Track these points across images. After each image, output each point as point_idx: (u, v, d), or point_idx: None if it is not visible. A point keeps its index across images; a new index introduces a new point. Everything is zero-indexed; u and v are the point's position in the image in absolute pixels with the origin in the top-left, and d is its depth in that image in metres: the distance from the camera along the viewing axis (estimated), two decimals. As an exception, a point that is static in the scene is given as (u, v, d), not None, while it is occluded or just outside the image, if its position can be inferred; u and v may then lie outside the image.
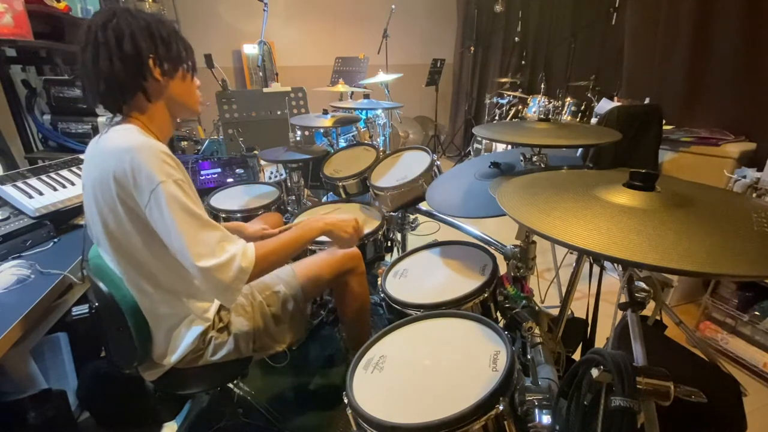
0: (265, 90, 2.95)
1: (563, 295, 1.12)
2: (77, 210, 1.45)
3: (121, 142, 0.87)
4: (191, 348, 1.04)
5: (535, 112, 3.84)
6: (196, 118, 3.39)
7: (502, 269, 1.25)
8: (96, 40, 0.87)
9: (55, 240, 1.32)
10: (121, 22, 0.88)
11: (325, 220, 1.13)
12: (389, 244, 1.80)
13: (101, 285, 0.98)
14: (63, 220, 1.40)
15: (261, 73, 3.15)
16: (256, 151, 2.48)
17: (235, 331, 1.10)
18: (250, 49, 4.57)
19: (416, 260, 1.39)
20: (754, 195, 1.96)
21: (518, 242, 1.28)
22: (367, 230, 1.62)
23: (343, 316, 1.40)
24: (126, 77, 0.90)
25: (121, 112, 0.97)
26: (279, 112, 2.96)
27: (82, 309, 1.22)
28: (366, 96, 3.20)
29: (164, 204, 0.83)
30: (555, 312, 1.16)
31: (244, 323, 1.11)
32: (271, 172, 2.63)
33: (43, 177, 1.42)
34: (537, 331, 1.02)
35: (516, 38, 4.98)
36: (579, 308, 1.23)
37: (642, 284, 0.81)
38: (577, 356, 1.27)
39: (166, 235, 0.86)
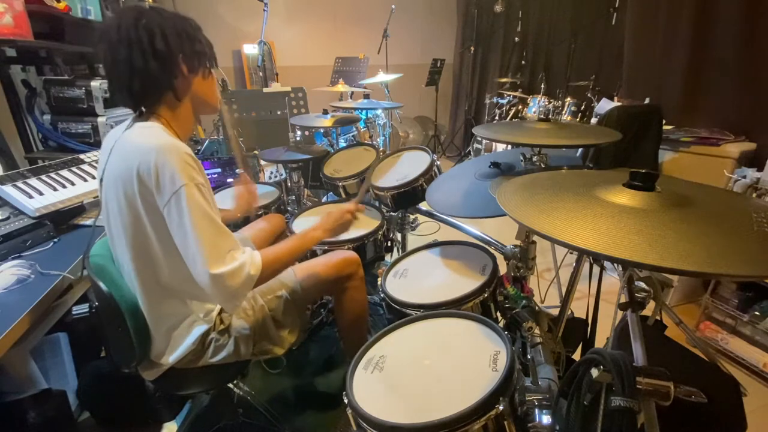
0: (265, 90, 2.95)
1: (563, 295, 1.12)
2: (77, 210, 1.44)
3: (147, 140, 0.88)
4: (191, 349, 1.04)
5: (535, 112, 3.84)
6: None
7: (502, 269, 1.25)
8: (129, 38, 0.88)
9: (55, 240, 1.32)
10: (151, 21, 0.89)
11: (324, 227, 1.19)
12: (389, 244, 1.80)
13: (101, 284, 0.98)
14: (63, 220, 1.40)
15: (261, 73, 3.15)
16: (256, 151, 2.48)
17: (235, 334, 1.10)
18: (250, 49, 4.57)
19: (416, 260, 1.39)
20: (754, 195, 1.96)
21: (518, 242, 1.28)
22: (367, 230, 1.62)
23: (340, 322, 1.38)
24: (159, 75, 0.91)
25: (149, 109, 0.97)
26: (279, 112, 2.96)
27: (82, 308, 1.23)
28: (366, 96, 3.20)
29: (185, 207, 0.84)
30: (555, 312, 1.16)
31: (245, 326, 1.11)
32: (271, 172, 2.63)
33: (43, 177, 1.42)
34: (537, 331, 1.02)
35: (516, 38, 4.98)
36: (579, 308, 1.23)
37: (642, 284, 0.81)
38: (577, 356, 1.27)
39: (181, 237, 0.87)
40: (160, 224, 0.89)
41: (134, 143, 0.89)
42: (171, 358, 1.04)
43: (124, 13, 0.92)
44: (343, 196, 1.96)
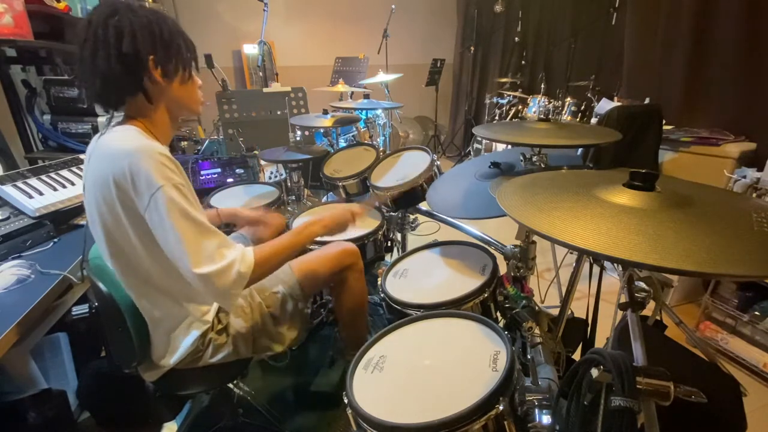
0: (265, 90, 2.95)
1: (563, 295, 1.12)
2: (77, 210, 1.44)
3: (120, 145, 0.86)
4: (190, 350, 1.04)
5: (535, 112, 3.84)
6: (196, 118, 3.40)
7: (502, 269, 1.25)
8: (96, 36, 0.85)
9: (55, 240, 1.32)
10: (123, 20, 0.86)
11: (321, 222, 1.14)
12: (389, 244, 1.80)
13: (101, 285, 0.98)
14: (63, 220, 1.40)
15: (261, 73, 3.15)
16: (256, 151, 2.48)
17: (234, 333, 1.10)
18: (250, 49, 4.57)
19: (416, 260, 1.39)
20: (754, 195, 1.96)
21: (518, 242, 1.28)
22: (367, 230, 1.62)
23: (340, 314, 1.37)
24: (124, 78, 0.88)
25: (117, 110, 0.95)
26: (279, 112, 2.96)
27: (82, 309, 1.23)
28: (366, 96, 3.20)
29: (164, 209, 0.82)
30: (555, 312, 1.16)
31: (243, 325, 1.11)
32: (271, 172, 2.63)
33: (43, 177, 1.42)
34: (537, 331, 1.02)
35: (516, 38, 4.98)
36: (579, 308, 1.23)
37: (642, 284, 0.81)
38: (577, 356, 1.27)
39: (164, 240, 0.85)
40: (143, 228, 0.88)
41: (109, 148, 0.87)
42: (171, 359, 1.04)
43: (97, 9, 0.88)
44: (343, 196, 1.96)
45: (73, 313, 1.24)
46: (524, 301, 1.18)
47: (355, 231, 1.61)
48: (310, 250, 1.49)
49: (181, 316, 1.03)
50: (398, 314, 1.14)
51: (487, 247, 1.36)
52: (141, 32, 0.87)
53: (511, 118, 4.38)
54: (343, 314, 1.36)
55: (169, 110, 0.98)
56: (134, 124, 0.93)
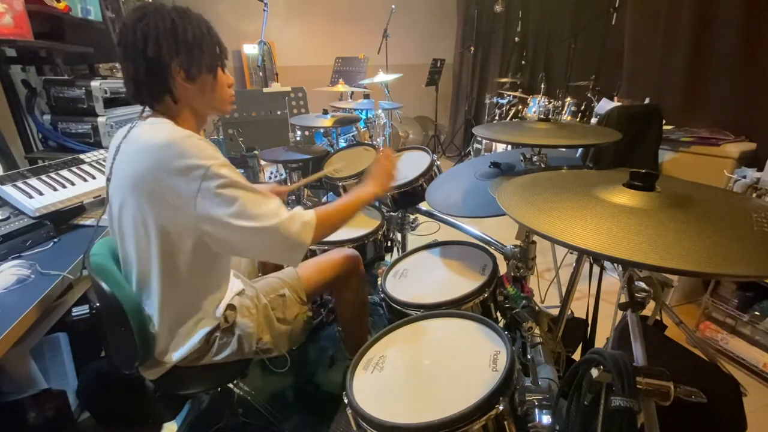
0: (265, 90, 2.95)
1: (563, 295, 1.12)
2: (77, 210, 1.44)
3: (158, 137, 0.87)
4: (196, 347, 1.04)
5: (535, 112, 3.84)
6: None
7: (502, 269, 1.25)
8: (126, 41, 0.88)
9: (55, 240, 1.32)
10: (150, 24, 0.88)
11: (375, 181, 1.16)
12: (389, 244, 1.80)
13: (103, 284, 0.98)
14: (63, 220, 1.40)
15: (261, 73, 3.15)
16: (256, 151, 2.48)
17: (239, 332, 1.10)
18: (250, 49, 4.57)
19: (416, 260, 1.39)
20: (754, 195, 1.96)
21: (518, 242, 1.29)
22: (367, 230, 1.62)
23: (341, 317, 1.41)
24: (151, 81, 0.91)
25: (153, 107, 0.98)
26: (279, 112, 2.96)
27: (83, 309, 1.22)
28: (366, 96, 3.21)
29: (218, 187, 0.84)
30: (555, 312, 1.17)
31: (249, 324, 1.11)
32: (271, 172, 2.63)
33: (43, 177, 1.42)
34: (537, 331, 1.02)
35: (516, 38, 4.98)
36: (579, 308, 1.23)
37: (642, 284, 0.81)
38: (577, 356, 1.27)
39: (225, 214, 0.85)
40: (180, 218, 0.88)
41: (147, 140, 0.88)
42: (175, 356, 1.04)
43: (131, 13, 0.92)
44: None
45: (74, 313, 1.24)
46: (524, 301, 1.18)
47: (355, 231, 1.61)
48: (313, 252, 1.50)
49: (193, 311, 1.04)
50: (398, 314, 1.14)
51: (487, 247, 1.36)
52: (165, 37, 0.89)
53: (511, 118, 4.38)
54: (345, 318, 1.38)
55: (195, 110, 1.00)
56: (166, 117, 0.95)
